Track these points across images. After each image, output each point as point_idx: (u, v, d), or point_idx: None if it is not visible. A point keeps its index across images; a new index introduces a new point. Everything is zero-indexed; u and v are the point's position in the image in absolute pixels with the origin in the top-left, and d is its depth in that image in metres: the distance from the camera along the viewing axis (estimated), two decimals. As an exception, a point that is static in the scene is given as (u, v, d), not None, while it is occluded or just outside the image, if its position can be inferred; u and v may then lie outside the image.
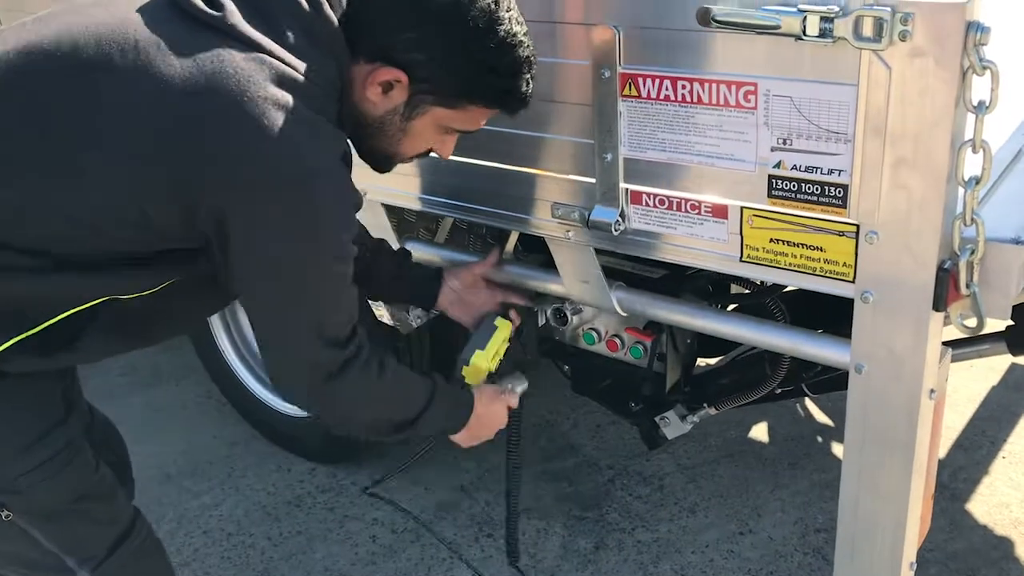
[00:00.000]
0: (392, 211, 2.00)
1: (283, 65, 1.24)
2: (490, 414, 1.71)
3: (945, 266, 1.30)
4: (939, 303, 1.32)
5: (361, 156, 1.47)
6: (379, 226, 2.01)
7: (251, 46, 1.23)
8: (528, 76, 1.38)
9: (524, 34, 1.36)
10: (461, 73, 1.34)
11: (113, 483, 1.60)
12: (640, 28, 1.41)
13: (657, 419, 2.15)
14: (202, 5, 1.25)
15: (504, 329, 1.76)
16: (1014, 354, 1.93)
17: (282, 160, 1.22)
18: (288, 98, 1.22)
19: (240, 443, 2.98)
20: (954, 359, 1.96)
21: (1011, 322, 1.90)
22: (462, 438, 1.71)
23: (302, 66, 1.26)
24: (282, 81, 1.23)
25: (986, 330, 1.91)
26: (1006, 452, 2.70)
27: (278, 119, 1.21)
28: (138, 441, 2.07)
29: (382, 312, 2.30)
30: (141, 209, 1.25)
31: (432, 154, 1.50)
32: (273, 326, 1.38)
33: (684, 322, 1.67)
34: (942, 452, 2.71)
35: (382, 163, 1.48)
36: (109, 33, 1.24)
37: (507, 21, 1.32)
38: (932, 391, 1.42)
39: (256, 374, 2.91)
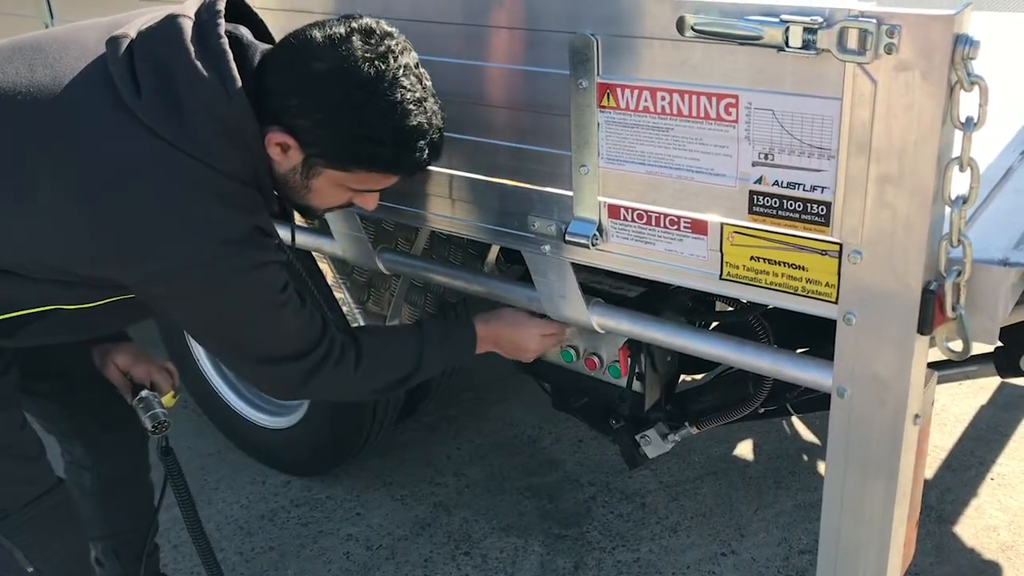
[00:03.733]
0: (367, 221, 1.95)
1: (189, 157, 1.34)
2: (514, 336, 1.77)
3: (931, 288, 1.25)
4: (924, 326, 1.27)
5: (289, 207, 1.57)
6: (355, 237, 1.96)
7: (160, 135, 1.33)
8: (423, 143, 1.41)
9: (419, 101, 1.38)
10: (342, 140, 1.38)
11: (38, 447, 1.70)
12: (619, 37, 1.36)
13: (638, 437, 2.09)
14: (127, 87, 1.34)
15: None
16: (1002, 376, 1.88)
17: (189, 247, 1.35)
18: (194, 186, 1.35)
19: (214, 454, 2.92)
20: (941, 380, 1.92)
21: (999, 343, 1.86)
22: (504, 351, 1.81)
23: (209, 149, 1.35)
24: (188, 170, 1.34)
25: (974, 351, 1.88)
26: (995, 474, 2.65)
27: (183, 210, 1.34)
28: (103, 454, 2.02)
29: (357, 324, 2.25)
30: (75, 270, 1.41)
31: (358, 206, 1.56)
32: (232, 364, 1.65)
33: (663, 341, 1.62)
34: (929, 473, 2.66)
35: (304, 213, 1.59)
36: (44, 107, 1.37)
37: (393, 90, 1.34)
38: (917, 416, 1.37)
39: (231, 384, 2.85)
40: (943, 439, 2.80)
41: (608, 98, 1.42)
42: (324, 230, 2.03)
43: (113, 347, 1.89)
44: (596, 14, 1.37)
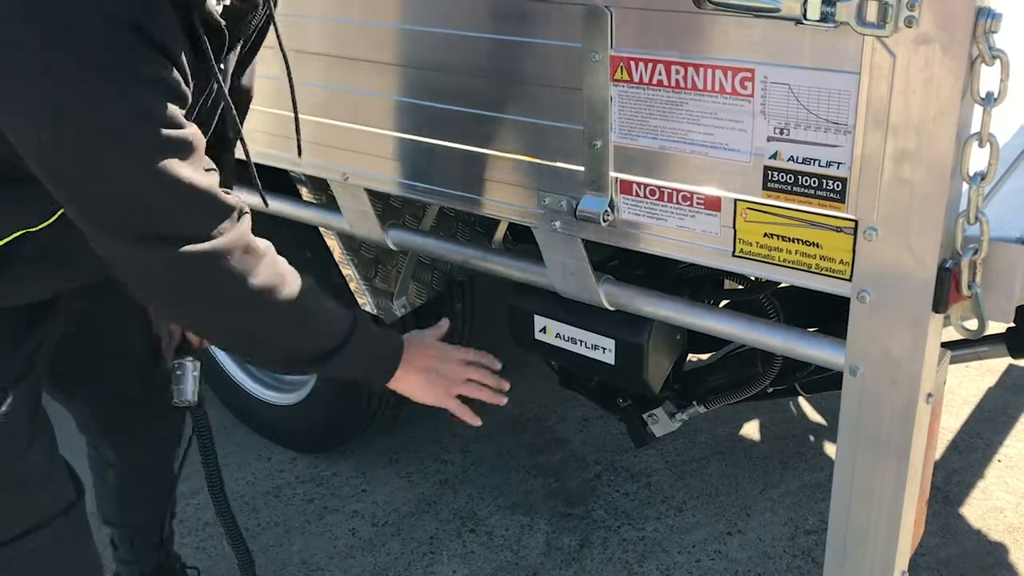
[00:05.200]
0: (376, 196, 1.94)
1: None
2: (443, 367, 1.57)
3: (947, 266, 1.24)
4: (939, 304, 1.26)
5: None
6: (362, 212, 1.95)
7: None
8: None
9: None
10: None
11: (44, 473, 1.54)
12: (632, 9, 1.34)
13: (645, 416, 2.09)
14: None
15: None
16: (1014, 357, 1.87)
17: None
18: None
19: (219, 431, 2.91)
20: (954, 360, 1.91)
21: (1012, 324, 1.84)
22: (414, 391, 1.55)
23: None
24: None
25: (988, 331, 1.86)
26: (1002, 455, 2.64)
27: None
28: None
29: (364, 300, 2.24)
30: None
31: None
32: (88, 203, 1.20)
33: (673, 318, 1.61)
34: (936, 454, 2.65)
35: None
36: None
37: None
38: (930, 395, 1.36)
39: (237, 361, 2.85)
40: (950, 420, 2.79)
41: (622, 71, 1.40)
42: (332, 205, 2.02)
43: None
44: (610, -14, 1.35)
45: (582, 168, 1.50)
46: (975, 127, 1.18)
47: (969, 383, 2.95)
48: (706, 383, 2.01)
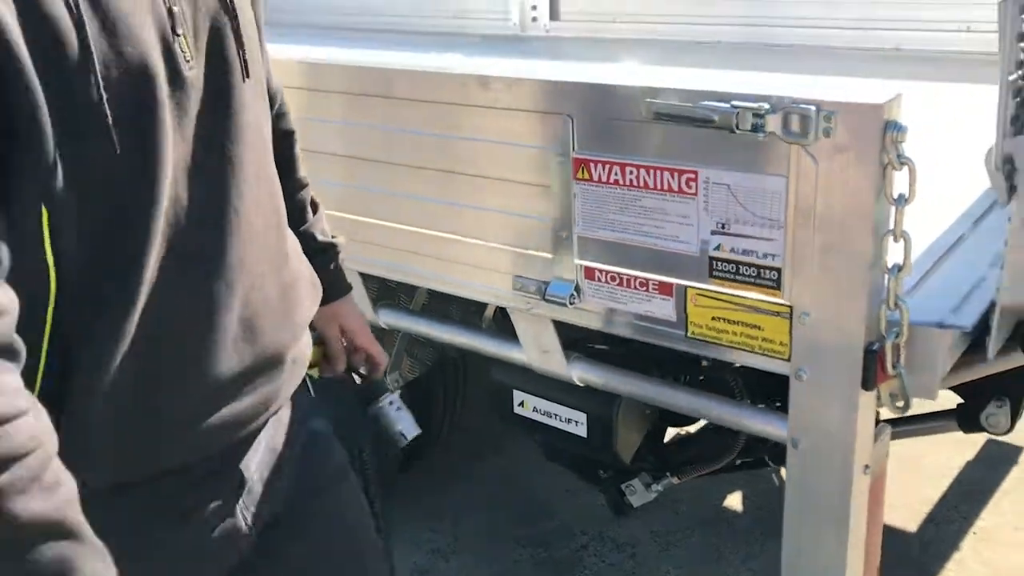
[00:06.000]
0: (369, 280, 2.09)
1: None
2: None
3: (873, 347, 1.37)
4: (868, 383, 1.38)
5: None
6: (357, 296, 2.10)
7: None
8: None
9: None
10: None
11: None
12: (592, 118, 1.51)
13: (623, 487, 2.20)
14: None
15: None
16: (965, 431, 1.98)
17: None
18: None
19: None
20: (908, 435, 2.03)
21: (961, 400, 1.96)
22: None
23: None
24: None
25: (939, 407, 1.98)
26: (977, 528, 2.72)
27: None
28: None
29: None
30: None
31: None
32: None
33: (635, 393, 1.74)
34: (913, 525, 2.74)
35: None
36: None
37: None
38: (867, 467, 1.48)
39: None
40: (930, 493, 2.87)
41: (583, 171, 1.56)
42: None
43: (345, 308, 1.48)
44: (573, 98, 1.52)
45: (551, 255, 1.65)
46: (891, 224, 1.32)
47: (948, 457, 3.04)
48: (678, 455, 2.13)
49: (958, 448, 3.07)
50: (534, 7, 4.05)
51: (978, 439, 3.09)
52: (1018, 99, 1.29)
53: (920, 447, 2.89)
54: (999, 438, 3.06)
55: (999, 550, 2.63)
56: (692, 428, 2.36)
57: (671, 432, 2.31)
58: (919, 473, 2.93)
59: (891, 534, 2.67)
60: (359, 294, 2.09)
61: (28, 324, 0.82)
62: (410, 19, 4.07)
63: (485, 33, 4.05)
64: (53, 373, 0.91)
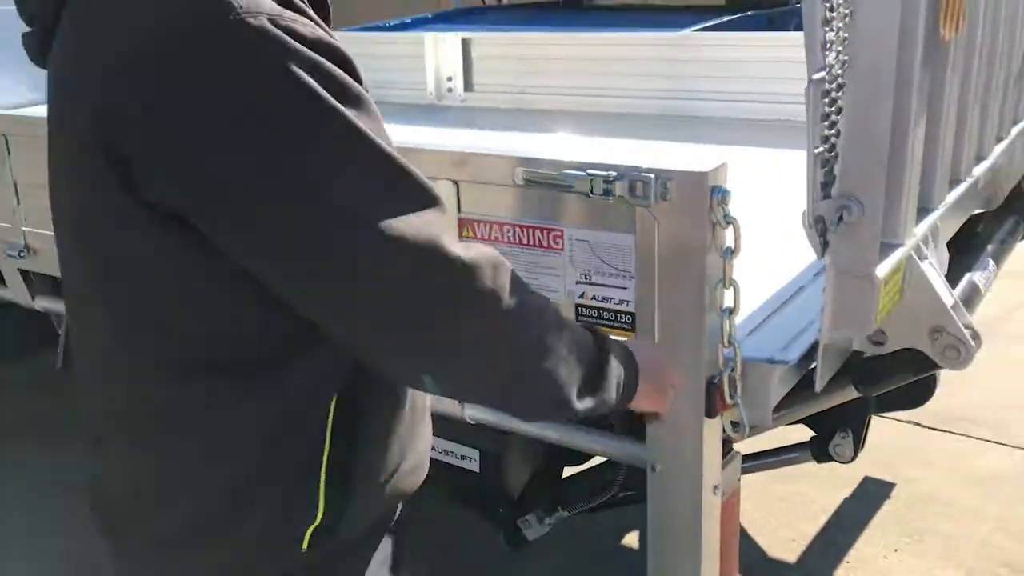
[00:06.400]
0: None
1: None
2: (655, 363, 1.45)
3: (713, 380, 1.59)
4: (710, 411, 1.59)
5: None
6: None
7: None
8: None
9: None
10: None
11: None
12: (472, 183, 1.72)
13: (519, 522, 2.36)
14: None
15: None
16: (818, 461, 2.21)
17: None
18: None
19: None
20: (770, 466, 2.25)
21: (813, 433, 2.20)
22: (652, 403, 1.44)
23: None
24: None
25: (794, 440, 2.22)
26: (850, 557, 2.95)
27: None
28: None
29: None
30: None
31: None
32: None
33: (516, 428, 1.92)
34: (792, 557, 2.96)
35: None
36: None
37: None
38: (716, 487, 1.68)
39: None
40: (809, 528, 3.10)
41: (468, 230, 1.76)
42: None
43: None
44: (457, 166, 1.73)
45: (441, 306, 1.84)
46: (721, 274, 1.55)
47: (826, 495, 3.28)
48: (567, 490, 2.31)
49: (837, 486, 3.33)
50: (449, 78, 4.32)
51: (855, 478, 3.35)
52: (825, 168, 1.54)
53: (802, 487, 3.14)
54: (878, 476, 3.34)
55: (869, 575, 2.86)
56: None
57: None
58: (803, 509, 3.16)
59: (774, 565, 2.90)
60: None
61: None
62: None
63: (404, 103, 4.30)
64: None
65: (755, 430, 1.73)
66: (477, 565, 3.01)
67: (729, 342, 1.57)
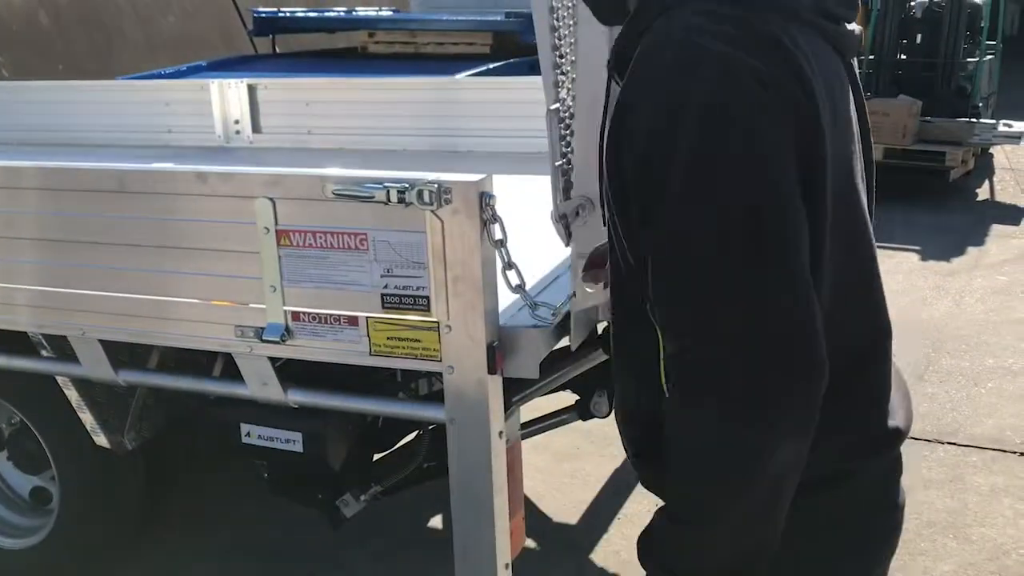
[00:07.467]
0: (110, 344, 2.47)
1: None
2: None
3: (493, 344, 2.02)
4: (491, 369, 2.03)
5: None
6: (97, 359, 2.47)
7: None
8: None
9: None
10: None
11: None
12: (288, 199, 2.08)
13: (337, 502, 2.69)
14: None
15: None
16: (582, 419, 2.70)
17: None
18: None
19: None
20: (547, 428, 2.72)
21: (578, 396, 2.69)
22: None
23: None
24: None
25: (564, 405, 2.69)
26: (622, 515, 3.49)
27: None
28: None
29: (99, 438, 2.69)
30: None
31: None
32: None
33: (336, 406, 2.27)
34: (573, 519, 3.45)
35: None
36: None
37: None
38: (501, 433, 2.11)
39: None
40: (587, 494, 3.62)
41: (285, 239, 2.11)
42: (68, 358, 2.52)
43: None
44: (273, 185, 2.08)
45: (264, 306, 2.17)
46: (498, 261, 1.99)
47: (603, 466, 3.82)
48: (378, 466, 2.67)
49: (609, 459, 3.88)
50: (236, 121, 4.59)
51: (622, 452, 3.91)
52: (564, 177, 2.03)
53: (583, 462, 3.66)
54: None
55: (637, 528, 3.39)
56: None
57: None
58: (584, 480, 3.68)
59: (555, 526, 3.38)
60: (100, 359, 2.46)
61: None
62: (124, 134, 4.46)
63: (193, 145, 4.52)
64: None
65: (531, 385, 2.19)
66: (308, 554, 3.29)
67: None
